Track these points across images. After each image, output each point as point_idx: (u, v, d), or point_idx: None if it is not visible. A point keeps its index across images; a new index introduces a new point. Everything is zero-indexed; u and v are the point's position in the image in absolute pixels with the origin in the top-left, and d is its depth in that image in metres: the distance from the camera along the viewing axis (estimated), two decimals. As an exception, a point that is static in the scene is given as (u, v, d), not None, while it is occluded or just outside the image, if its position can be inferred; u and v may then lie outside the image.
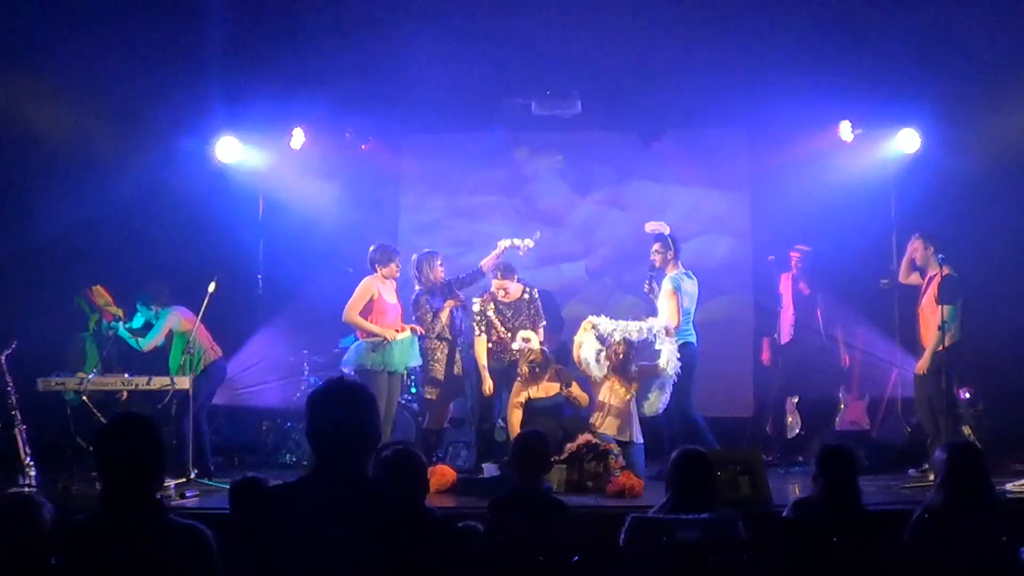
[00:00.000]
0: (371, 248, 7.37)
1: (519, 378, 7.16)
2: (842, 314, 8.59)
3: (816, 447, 4.42)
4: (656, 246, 7.53)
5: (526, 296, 7.56)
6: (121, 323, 7.57)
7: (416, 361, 7.31)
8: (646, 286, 7.61)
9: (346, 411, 2.70)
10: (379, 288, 7.19)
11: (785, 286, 8.62)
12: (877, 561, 3.92)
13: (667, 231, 7.65)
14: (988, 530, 3.91)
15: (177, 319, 7.52)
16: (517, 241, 7.55)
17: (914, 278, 7.57)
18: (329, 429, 2.69)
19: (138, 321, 7.61)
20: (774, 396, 8.59)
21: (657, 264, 7.53)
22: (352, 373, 6.91)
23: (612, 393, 7.11)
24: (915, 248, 7.43)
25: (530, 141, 9.92)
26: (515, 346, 7.32)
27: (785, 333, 8.49)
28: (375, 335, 7.07)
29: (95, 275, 7.89)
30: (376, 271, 7.26)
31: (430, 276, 7.37)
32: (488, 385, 7.37)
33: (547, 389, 7.18)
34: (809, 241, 8.74)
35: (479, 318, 7.44)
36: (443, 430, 7.52)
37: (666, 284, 7.38)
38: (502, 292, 7.46)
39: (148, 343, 7.50)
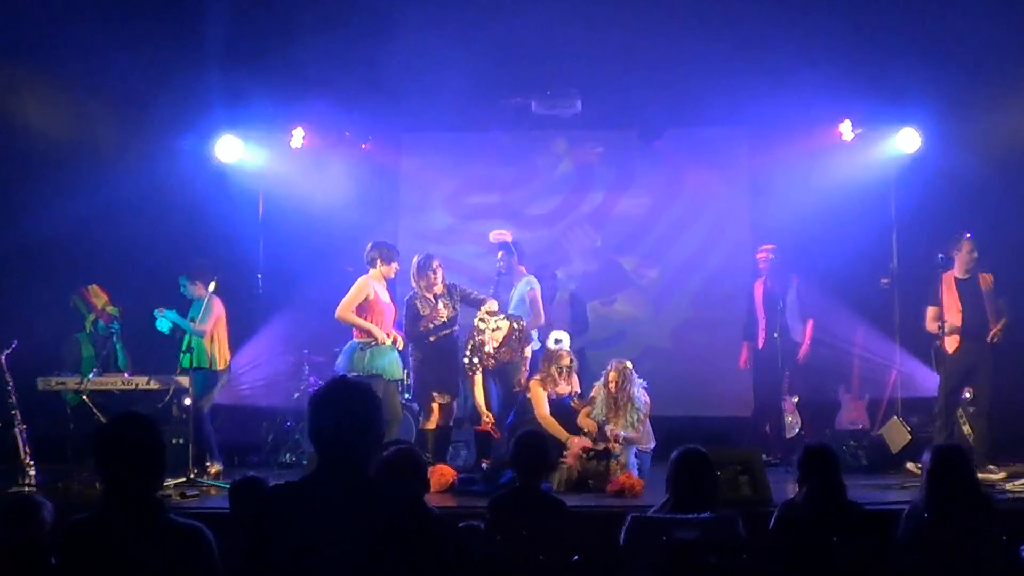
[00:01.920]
0: (369, 245, 7.27)
1: (539, 375, 7.17)
2: (827, 310, 8.57)
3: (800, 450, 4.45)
4: (501, 254, 7.81)
5: (515, 327, 7.35)
6: (117, 322, 7.56)
7: (401, 372, 7.21)
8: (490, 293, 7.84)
9: (348, 411, 2.70)
10: (375, 288, 7.10)
11: (757, 292, 8.55)
12: (870, 560, 3.95)
13: (509, 238, 7.93)
14: (974, 528, 3.94)
15: (221, 307, 7.51)
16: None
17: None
18: (331, 429, 2.70)
19: (195, 309, 7.43)
20: (764, 400, 8.56)
21: (504, 271, 7.85)
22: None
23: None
24: (971, 248, 7.46)
25: (570, 136, 9.92)
26: (549, 344, 7.33)
27: (760, 338, 8.45)
28: (368, 335, 6.99)
29: (95, 274, 7.88)
30: (376, 267, 7.18)
31: (425, 281, 7.22)
32: (486, 418, 7.21)
33: (562, 389, 7.18)
34: (809, 241, 8.72)
35: (468, 362, 7.27)
36: (439, 429, 7.44)
37: (524, 287, 7.77)
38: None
39: (203, 327, 7.35)
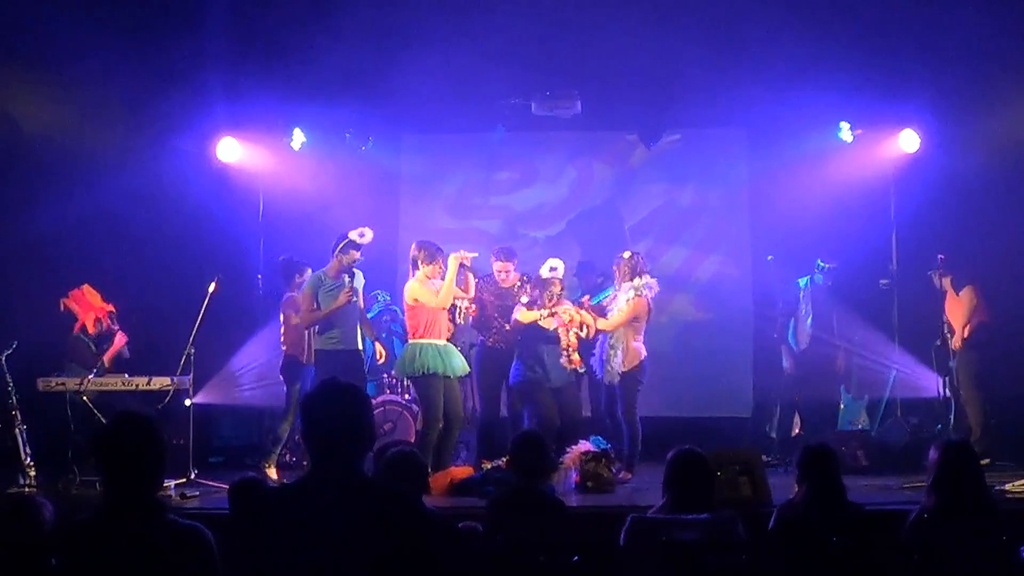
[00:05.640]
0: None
1: (538, 304, 7.21)
2: (842, 314, 8.58)
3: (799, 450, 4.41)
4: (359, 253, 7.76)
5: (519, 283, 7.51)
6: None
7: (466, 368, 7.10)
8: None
9: (340, 412, 2.71)
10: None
11: (805, 292, 8.50)
12: (874, 561, 3.94)
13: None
14: (983, 530, 3.91)
15: None
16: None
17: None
18: (324, 430, 2.71)
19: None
20: (764, 400, 8.54)
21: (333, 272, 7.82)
22: (417, 376, 6.79)
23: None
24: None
25: (579, 136, 9.90)
26: (543, 273, 7.35)
27: (803, 340, 8.41)
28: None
29: (95, 274, 7.88)
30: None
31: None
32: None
33: (548, 320, 7.14)
34: (809, 241, 8.71)
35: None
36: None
37: (360, 280, 7.81)
38: (502, 276, 7.50)
39: None
